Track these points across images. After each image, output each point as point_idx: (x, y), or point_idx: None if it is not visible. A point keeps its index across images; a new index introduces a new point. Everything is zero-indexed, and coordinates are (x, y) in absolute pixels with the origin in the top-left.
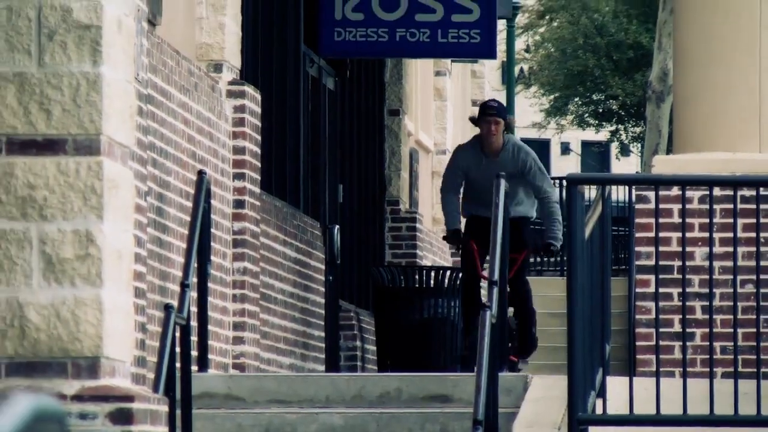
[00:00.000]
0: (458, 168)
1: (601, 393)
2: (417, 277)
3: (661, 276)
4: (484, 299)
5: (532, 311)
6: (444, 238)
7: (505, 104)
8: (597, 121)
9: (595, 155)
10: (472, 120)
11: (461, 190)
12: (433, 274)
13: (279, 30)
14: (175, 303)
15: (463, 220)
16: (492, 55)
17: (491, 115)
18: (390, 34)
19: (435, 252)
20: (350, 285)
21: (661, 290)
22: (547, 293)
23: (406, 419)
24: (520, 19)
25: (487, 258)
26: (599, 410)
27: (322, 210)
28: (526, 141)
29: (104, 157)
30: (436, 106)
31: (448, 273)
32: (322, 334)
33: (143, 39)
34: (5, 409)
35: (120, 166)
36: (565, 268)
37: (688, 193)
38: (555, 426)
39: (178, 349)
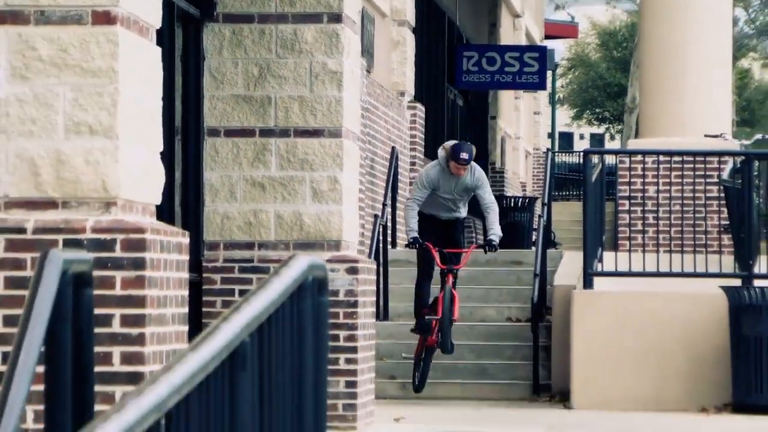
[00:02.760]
0: (429, 184)
1: (600, 260)
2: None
3: (632, 201)
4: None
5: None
6: (407, 245)
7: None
8: (599, 123)
9: (597, 141)
10: (446, 159)
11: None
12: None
13: (434, 73)
14: (379, 214)
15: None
16: (544, 88)
17: (460, 164)
18: (491, 77)
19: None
20: None
21: (632, 208)
22: (572, 210)
23: (500, 272)
24: (558, 70)
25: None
26: (599, 269)
27: None
28: (561, 135)
29: (344, 139)
30: (515, 115)
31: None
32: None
33: (364, 79)
34: (297, 261)
35: (351, 143)
36: (582, 197)
37: (647, 158)
38: (577, 277)
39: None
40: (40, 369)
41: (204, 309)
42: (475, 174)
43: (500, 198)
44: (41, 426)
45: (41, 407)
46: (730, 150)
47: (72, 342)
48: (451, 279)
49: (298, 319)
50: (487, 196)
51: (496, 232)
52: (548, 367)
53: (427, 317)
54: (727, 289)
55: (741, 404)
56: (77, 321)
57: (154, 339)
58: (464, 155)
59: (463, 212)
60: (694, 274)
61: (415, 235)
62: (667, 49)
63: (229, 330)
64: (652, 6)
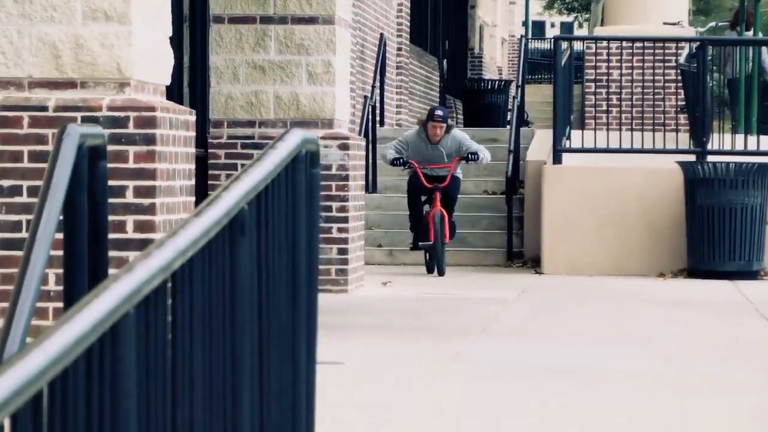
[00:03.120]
0: (406, 147)
1: (568, 138)
2: None
3: (597, 84)
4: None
5: (452, 210)
6: (391, 162)
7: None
8: (568, 12)
9: (566, 29)
10: (423, 122)
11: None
12: None
13: None
14: (369, 95)
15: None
16: None
17: (436, 121)
18: None
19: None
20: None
21: (597, 90)
22: (544, 93)
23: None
24: None
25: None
26: (567, 146)
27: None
28: (534, 24)
29: (336, 26)
30: (492, 5)
31: None
32: None
33: None
34: (291, 135)
35: (343, 29)
36: (552, 81)
37: (611, 45)
38: (547, 153)
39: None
40: (59, 236)
41: (209, 182)
42: (456, 139)
43: (479, 81)
44: (61, 287)
45: (60, 270)
46: (686, 36)
47: (88, 210)
48: (438, 197)
49: (292, 188)
50: (474, 146)
51: (481, 149)
52: (521, 236)
53: (420, 244)
54: (682, 164)
55: (694, 270)
56: (93, 191)
57: (163, 209)
58: (438, 112)
59: (455, 172)
60: (653, 151)
61: (395, 155)
62: None
63: (229, 198)
64: None
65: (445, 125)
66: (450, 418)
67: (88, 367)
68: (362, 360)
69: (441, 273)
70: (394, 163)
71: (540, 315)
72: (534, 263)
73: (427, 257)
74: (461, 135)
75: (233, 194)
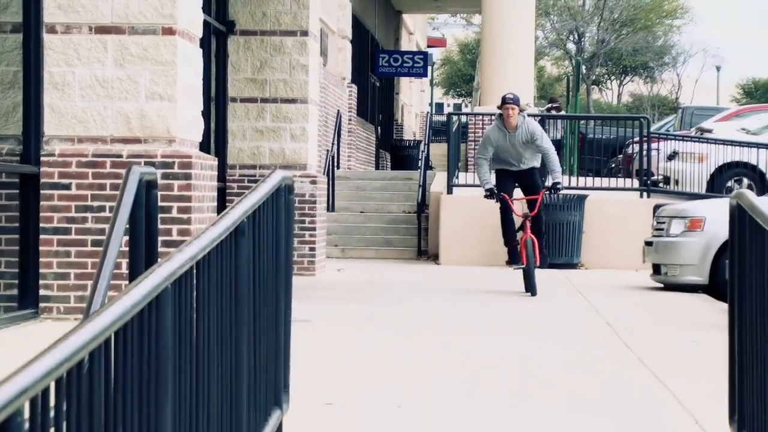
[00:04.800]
0: (490, 142)
1: (457, 177)
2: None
3: (475, 142)
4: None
5: (543, 236)
6: (485, 196)
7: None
8: (459, 97)
9: (457, 108)
10: (499, 107)
11: (490, 158)
12: None
13: (362, 66)
14: (329, 148)
15: (493, 174)
16: (426, 76)
17: (507, 103)
18: (395, 69)
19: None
20: None
21: (476, 146)
22: (442, 148)
23: (399, 184)
24: (435, 66)
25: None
26: (456, 183)
27: (375, 124)
28: (436, 105)
29: (309, 105)
30: (409, 92)
31: None
32: None
33: (321, 69)
34: (276, 174)
35: (313, 107)
36: (447, 141)
37: (484, 118)
38: (444, 186)
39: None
40: (126, 238)
41: (226, 204)
42: (529, 128)
43: (401, 140)
44: (127, 271)
45: (127, 260)
46: (531, 113)
47: (145, 222)
48: (528, 225)
49: (275, 208)
50: (544, 144)
51: (556, 176)
52: (426, 240)
53: (515, 267)
54: None
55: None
56: (149, 209)
57: (196, 221)
58: (508, 95)
59: (533, 163)
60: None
61: (490, 186)
62: (497, 53)
63: (234, 214)
64: (489, 29)
65: (516, 107)
66: (377, 346)
67: (140, 323)
68: (324, 317)
69: (533, 293)
70: (489, 194)
71: (437, 289)
72: (434, 258)
73: (523, 277)
74: (534, 124)
75: (237, 211)
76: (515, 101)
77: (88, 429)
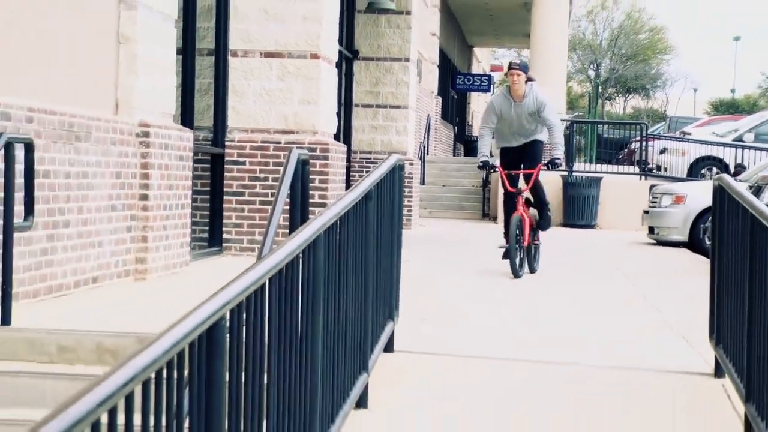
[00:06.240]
0: (494, 110)
1: None
2: None
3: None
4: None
5: (546, 203)
6: (479, 167)
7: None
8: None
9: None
10: (505, 73)
11: (494, 128)
12: None
13: (445, 84)
14: (422, 140)
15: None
16: (489, 91)
17: (513, 68)
18: (468, 86)
19: None
20: None
21: None
22: None
23: (471, 166)
24: (495, 84)
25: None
26: None
27: (453, 124)
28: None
29: (409, 110)
30: (477, 103)
31: None
32: None
33: (417, 85)
34: (392, 157)
35: (412, 112)
36: None
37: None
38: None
39: None
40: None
41: (350, 178)
42: (538, 98)
43: (470, 136)
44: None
45: (287, 215)
46: (564, 118)
47: (300, 189)
48: (521, 200)
49: (390, 181)
50: (550, 117)
51: (558, 151)
52: (488, 205)
53: (499, 246)
54: (562, 175)
55: (566, 223)
56: (303, 180)
57: (331, 189)
58: (515, 60)
59: (538, 135)
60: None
61: (485, 158)
62: (540, 75)
63: (364, 185)
64: (534, 58)
65: (522, 73)
66: (453, 280)
67: (303, 259)
68: (417, 258)
69: (516, 276)
70: (481, 166)
71: (495, 240)
72: (494, 218)
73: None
74: (542, 96)
75: (366, 182)
76: (522, 67)
77: (265, 333)
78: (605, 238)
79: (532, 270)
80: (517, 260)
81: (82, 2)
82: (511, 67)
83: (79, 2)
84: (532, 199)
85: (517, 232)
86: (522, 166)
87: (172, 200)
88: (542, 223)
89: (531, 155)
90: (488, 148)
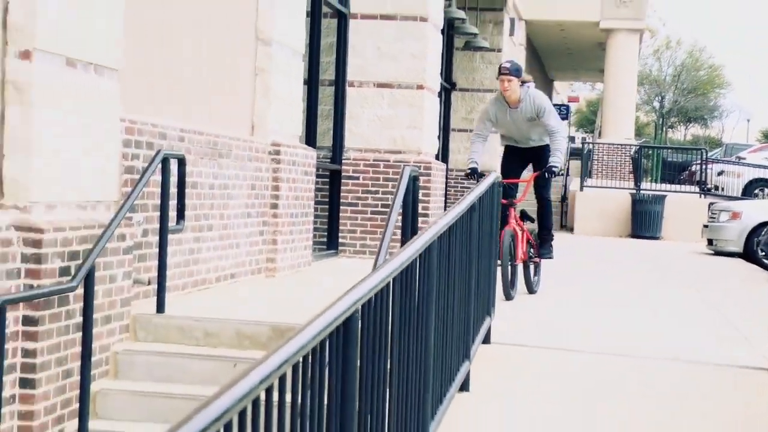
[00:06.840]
0: (488, 117)
1: (587, 180)
2: None
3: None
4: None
5: (548, 228)
6: (466, 175)
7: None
8: (585, 134)
9: (585, 140)
10: (497, 77)
11: (489, 135)
12: None
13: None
14: None
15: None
16: (567, 119)
17: (502, 74)
18: None
19: None
20: None
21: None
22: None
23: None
24: (572, 113)
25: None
26: (587, 184)
27: None
28: (571, 138)
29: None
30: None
31: None
32: None
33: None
34: (491, 175)
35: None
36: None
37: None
38: (578, 187)
39: None
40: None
41: (448, 192)
42: (535, 102)
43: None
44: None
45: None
46: (632, 143)
47: (411, 201)
48: (512, 213)
49: (491, 195)
50: (551, 122)
51: (556, 158)
52: (566, 218)
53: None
54: (630, 193)
55: (633, 235)
56: (414, 193)
57: (432, 202)
58: (504, 63)
59: (544, 140)
60: (622, 188)
61: (474, 166)
62: (612, 105)
63: (470, 198)
64: (608, 90)
65: (513, 77)
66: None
67: (420, 263)
68: None
69: (508, 297)
70: (469, 173)
71: (573, 247)
72: (571, 229)
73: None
74: (540, 98)
75: (472, 196)
76: (512, 70)
77: (389, 324)
78: (669, 248)
79: (531, 291)
80: (508, 279)
81: (225, 39)
82: (500, 72)
83: (222, 40)
84: (536, 215)
85: (510, 248)
86: (531, 167)
87: (298, 209)
88: (542, 250)
89: (539, 162)
90: (479, 155)
